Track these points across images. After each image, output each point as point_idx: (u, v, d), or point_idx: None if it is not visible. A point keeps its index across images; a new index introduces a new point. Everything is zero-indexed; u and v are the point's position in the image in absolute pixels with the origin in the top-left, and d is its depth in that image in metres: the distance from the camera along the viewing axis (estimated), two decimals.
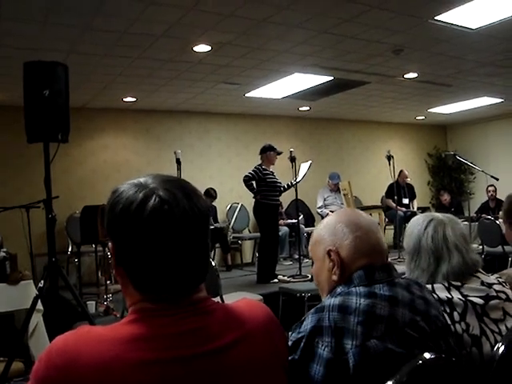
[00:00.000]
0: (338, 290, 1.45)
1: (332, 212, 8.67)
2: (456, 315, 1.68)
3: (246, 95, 8.22)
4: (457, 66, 7.00)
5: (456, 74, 7.45)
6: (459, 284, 1.76)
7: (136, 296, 1.10)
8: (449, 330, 1.52)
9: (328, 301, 1.37)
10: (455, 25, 5.31)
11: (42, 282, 3.77)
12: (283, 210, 9.21)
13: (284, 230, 8.72)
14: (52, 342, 1.04)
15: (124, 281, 1.11)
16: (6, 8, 4.37)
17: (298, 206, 7.65)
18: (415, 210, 9.60)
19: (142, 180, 1.11)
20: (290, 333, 1.38)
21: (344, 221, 1.52)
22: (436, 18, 5.09)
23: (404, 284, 1.45)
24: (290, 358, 1.30)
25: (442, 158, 11.96)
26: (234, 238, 8.93)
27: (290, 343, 1.34)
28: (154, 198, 1.05)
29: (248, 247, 9.76)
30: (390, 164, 7.95)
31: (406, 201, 9.65)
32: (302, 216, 9.01)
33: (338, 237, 1.50)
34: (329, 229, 1.53)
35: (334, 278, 1.48)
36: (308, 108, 9.63)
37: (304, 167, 7.20)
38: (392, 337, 1.29)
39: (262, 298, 5.30)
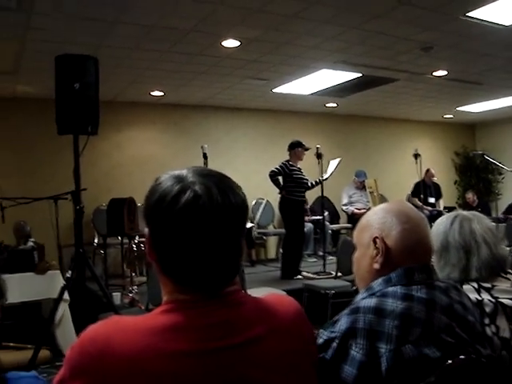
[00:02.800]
0: (375, 286, 1.43)
1: (358, 210, 8.66)
2: (486, 318, 1.66)
3: (274, 91, 8.21)
4: (488, 64, 6.88)
5: (487, 72, 7.33)
6: (489, 286, 1.74)
7: (170, 285, 1.11)
8: (485, 336, 1.49)
9: (363, 302, 1.35)
10: (487, 21, 5.22)
11: (70, 272, 3.83)
12: (308, 206, 9.18)
13: (309, 226, 8.70)
14: (85, 331, 1.05)
15: (158, 268, 1.12)
16: (38, 3, 4.42)
17: (323, 202, 7.63)
18: (441, 209, 9.49)
19: (181, 172, 1.11)
20: (320, 330, 1.37)
21: (394, 211, 1.49)
22: (468, 14, 5.01)
23: (443, 287, 1.42)
24: (320, 356, 1.29)
25: (469, 158, 11.78)
26: (258, 233, 8.94)
27: (321, 341, 1.33)
28: (188, 192, 1.05)
29: (272, 243, 9.76)
30: (416, 162, 7.87)
31: (432, 200, 9.54)
32: (326, 213, 8.97)
33: (386, 226, 1.47)
34: (378, 217, 1.50)
35: (376, 266, 1.46)
36: (335, 104, 9.58)
37: (333, 164, 7.18)
38: (427, 342, 1.27)
39: (285, 294, 5.29)
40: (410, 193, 9.69)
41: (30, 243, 5.50)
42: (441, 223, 1.91)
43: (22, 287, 4.42)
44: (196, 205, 1.04)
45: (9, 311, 4.56)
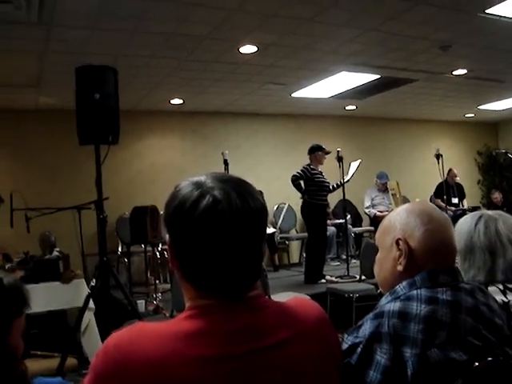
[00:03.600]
0: (399, 289, 1.41)
1: (380, 212, 8.60)
2: None
3: (293, 95, 8.20)
4: (509, 61, 6.79)
5: (508, 69, 7.23)
6: None
7: (192, 291, 1.11)
8: None
9: (388, 306, 1.34)
10: (507, 17, 5.15)
11: (94, 280, 3.86)
12: (330, 210, 9.15)
13: (331, 230, 8.66)
14: (109, 337, 1.06)
15: (180, 274, 1.13)
16: (57, 16, 4.49)
17: (346, 206, 7.60)
18: (465, 207, 9.39)
19: (200, 178, 1.12)
20: (345, 335, 1.36)
21: (417, 211, 1.47)
22: (487, 11, 4.96)
23: (468, 289, 1.39)
24: (345, 361, 1.28)
25: (492, 157, 11.62)
26: (281, 238, 8.93)
27: (345, 346, 1.32)
28: (207, 198, 1.06)
29: (295, 247, 9.74)
30: (438, 163, 7.79)
31: (455, 200, 9.44)
32: (349, 216, 8.93)
33: (409, 227, 1.45)
34: (400, 218, 1.48)
35: (400, 268, 1.44)
36: (355, 107, 9.54)
37: (353, 166, 7.15)
38: (454, 345, 1.25)
39: (309, 298, 5.27)
40: (432, 194, 9.61)
41: (55, 253, 5.56)
42: (464, 223, 1.88)
43: (48, 296, 4.45)
44: (215, 210, 1.05)
45: (35, 320, 4.61)
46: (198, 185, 1.10)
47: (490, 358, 1.25)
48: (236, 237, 1.06)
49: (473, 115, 11.05)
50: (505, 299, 1.67)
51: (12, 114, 7.71)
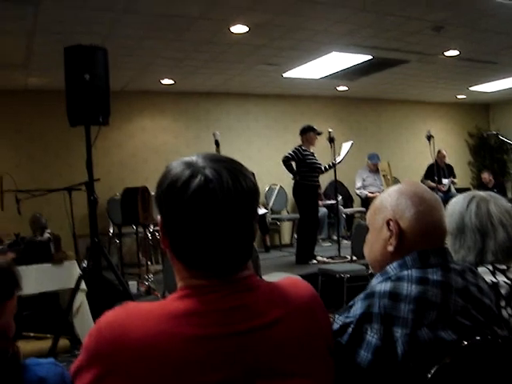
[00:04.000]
0: (390, 270, 1.42)
1: (371, 193, 8.63)
2: (502, 300, 1.64)
3: (284, 75, 8.16)
4: (501, 42, 6.77)
5: (501, 51, 7.21)
6: (504, 267, 1.72)
7: (183, 271, 1.12)
8: (502, 318, 1.48)
9: (378, 286, 1.34)
10: None
11: (86, 262, 3.86)
12: (322, 191, 9.16)
13: (323, 211, 8.68)
14: (101, 317, 1.07)
15: (171, 254, 1.13)
16: None
17: (337, 187, 7.61)
18: (451, 184, 9.38)
19: (192, 158, 1.12)
20: (336, 315, 1.37)
21: (408, 192, 1.47)
22: None
23: (458, 270, 1.40)
24: (336, 341, 1.29)
25: (483, 138, 11.63)
26: (272, 219, 8.96)
27: (336, 326, 1.33)
28: (199, 177, 1.06)
29: (287, 228, 9.77)
30: (430, 144, 7.81)
31: (445, 181, 9.48)
32: (340, 197, 8.95)
33: (400, 208, 1.45)
34: (391, 199, 1.48)
35: (390, 248, 1.44)
36: (346, 88, 9.51)
37: (345, 147, 7.15)
38: (443, 324, 1.27)
39: (300, 278, 5.30)
40: (423, 176, 9.64)
41: (47, 235, 5.54)
42: (457, 203, 1.88)
43: (40, 278, 4.45)
44: (207, 189, 1.05)
45: (27, 302, 4.61)
46: (190, 164, 1.10)
47: (478, 337, 1.26)
48: (227, 216, 1.06)
49: (464, 97, 11.04)
50: (494, 280, 1.68)
51: (0, 95, 7.63)
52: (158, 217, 1.14)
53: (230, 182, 1.07)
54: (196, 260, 1.09)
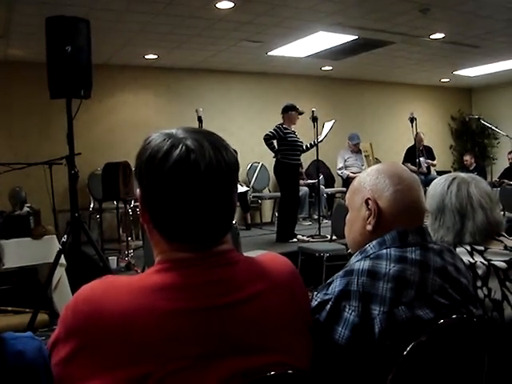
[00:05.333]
0: (369, 249, 1.43)
1: (353, 173, 8.66)
2: (478, 281, 1.66)
3: (269, 54, 8.11)
4: (486, 27, 6.79)
5: (485, 35, 7.23)
6: (482, 249, 1.74)
7: (163, 245, 1.11)
8: (477, 298, 1.50)
9: (357, 264, 1.35)
10: None
11: (66, 236, 3.84)
12: (303, 170, 9.18)
13: (304, 190, 8.70)
14: (78, 291, 1.06)
15: (150, 227, 1.12)
16: None
17: (319, 166, 7.62)
18: (430, 166, 9.45)
19: (172, 130, 1.11)
20: (315, 292, 1.38)
21: (387, 172, 1.48)
22: None
23: (437, 250, 1.42)
24: (314, 317, 1.30)
25: (465, 122, 11.71)
26: (253, 197, 8.96)
27: (314, 303, 1.34)
28: (180, 148, 1.05)
29: (268, 206, 9.79)
30: (412, 126, 7.84)
31: (421, 159, 9.50)
32: (322, 176, 8.97)
33: (378, 187, 1.46)
34: (370, 178, 1.49)
35: (369, 227, 1.46)
36: (331, 68, 9.48)
37: (327, 126, 7.15)
38: (421, 303, 1.28)
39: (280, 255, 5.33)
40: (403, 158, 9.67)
41: (26, 209, 5.48)
42: (438, 184, 1.89)
43: (19, 252, 4.41)
44: (188, 159, 1.04)
45: (6, 276, 4.58)
46: (170, 135, 1.09)
47: (454, 316, 1.28)
48: (209, 186, 1.06)
49: (448, 80, 11.08)
50: (471, 260, 1.70)
51: None
52: (138, 190, 1.12)
53: (212, 152, 1.06)
54: (177, 231, 1.08)
